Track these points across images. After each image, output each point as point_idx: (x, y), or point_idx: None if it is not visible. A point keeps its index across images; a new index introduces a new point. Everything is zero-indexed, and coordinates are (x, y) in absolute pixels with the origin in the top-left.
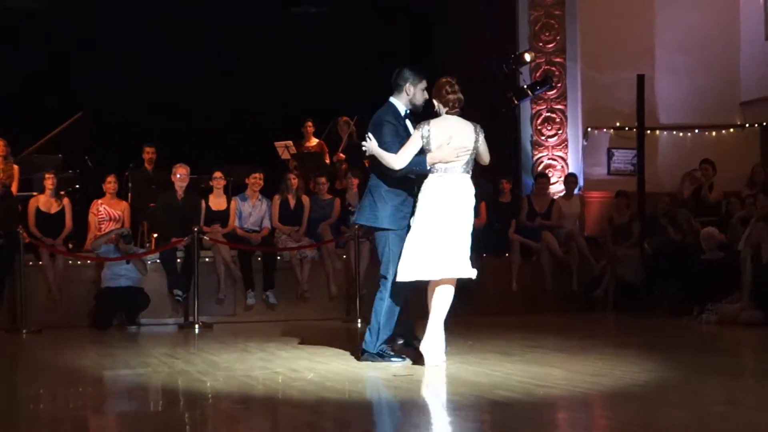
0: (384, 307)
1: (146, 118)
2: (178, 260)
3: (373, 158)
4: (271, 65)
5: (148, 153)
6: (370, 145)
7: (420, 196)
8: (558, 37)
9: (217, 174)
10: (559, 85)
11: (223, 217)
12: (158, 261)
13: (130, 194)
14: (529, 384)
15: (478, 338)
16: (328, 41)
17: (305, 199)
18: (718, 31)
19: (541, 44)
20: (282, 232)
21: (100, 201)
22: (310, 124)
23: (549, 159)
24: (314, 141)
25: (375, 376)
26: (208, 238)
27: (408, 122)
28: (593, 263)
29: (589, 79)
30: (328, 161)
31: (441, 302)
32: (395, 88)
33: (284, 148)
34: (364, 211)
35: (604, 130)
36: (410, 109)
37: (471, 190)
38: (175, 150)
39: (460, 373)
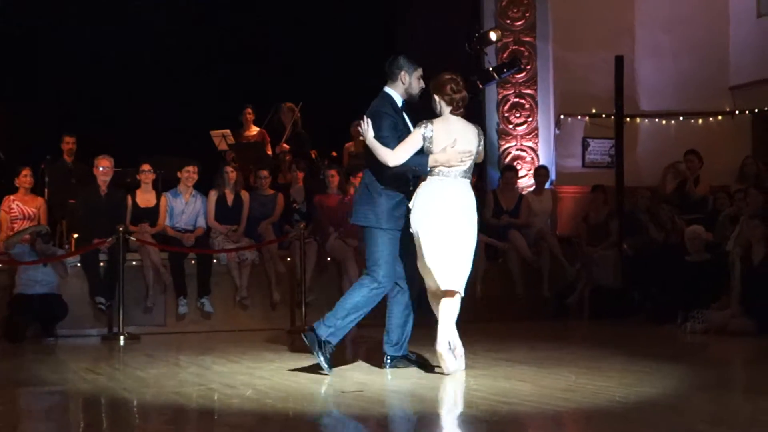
0: (356, 299)
1: (65, 103)
2: (101, 264)
3: (369, 153)
4: (206, 45)
5: (68, 143)
6: (367, 134)
7: (417, 198)
8: (527, 14)
9: (145, 167)
10: (528, 67)
11: (151, 215)
12: (79, 264)
13: (46, 190)
14: (494, 400)
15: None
16: (270, 19)
17: (244, 195)
18: (706, 7)
19: (508, 21)
20: (218, 232)
21: (12, 197)
22: (249, 111)
23: (517, 150)
24: (255, 130)
25: (321, 392)
26: (134, 239)
27: (405, 115)
28: (566, 266)
29: (562, 61)
30: (270, 152)
31: (448, 309)
32: (389, 77)
33: (221, 138)
34: (360, 209)
35: (579, 117)
36: (406, 100)
37: (471, 196)
38: (98, 140)
39: (417, 389)
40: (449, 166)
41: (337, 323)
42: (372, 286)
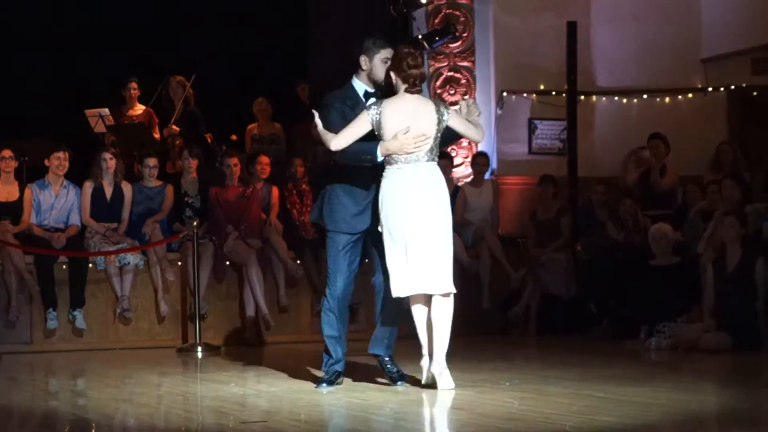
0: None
1: None
2: None
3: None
4: (80, 6)
5: None
6: (318, 126)
7: (380, 193)
8: None
9: (6, 153)
10: (465, 35)
11: (13, 210)
12: None
13: None
14: (422, 430)
15: (358, 370)
16: None
17: (126, 187)
18: None
19: None
20: (95, 231)
21: None
22: (134, 85)
23: None
24: (140, 108)
25: (213, 422)
26: None
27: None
28: (510, 271)
29: (505, 28)
30: (157, 136)
31: (438, 320)
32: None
33: (98, 118)
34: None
35: (524, 95)
36: (374, 88)
37: (439, 180)
38: None
39: (327, 418)
40: (407, 153)
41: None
42: (328, 305)
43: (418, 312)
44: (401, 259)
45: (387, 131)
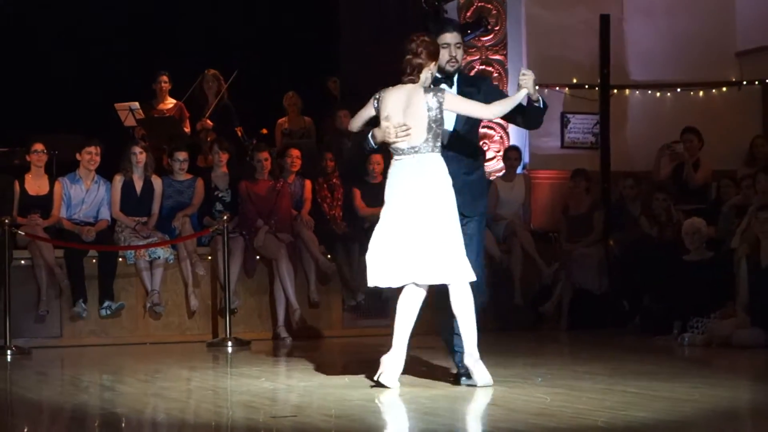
0: None
1: None
2: None
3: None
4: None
5: None
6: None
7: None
8: None
9: (37, 146)
10: (497, 28)
11: (44, 204)
12: None
13: None
14: (455, 425)
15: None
16: None
17: (156, 181)
18: None
19: None
20: (125, 225)
21: None
22: (165, 79)
23: (484, 127)
24: (170, 102)
25: (243, 417)
26: (23, 233)
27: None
28: (542, 266)
29: (537, 21)
30: (188, 129)
31: (456, 310)
32: None
33: (128, 112)
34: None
35: (557, 88)
36: (440, 74)
37: (434, 172)
38: None
39: (358, 413)
40: (393, 143)
41: None
42: None
43: (403, 304)
44: (389, 249)
45: (381, 119)
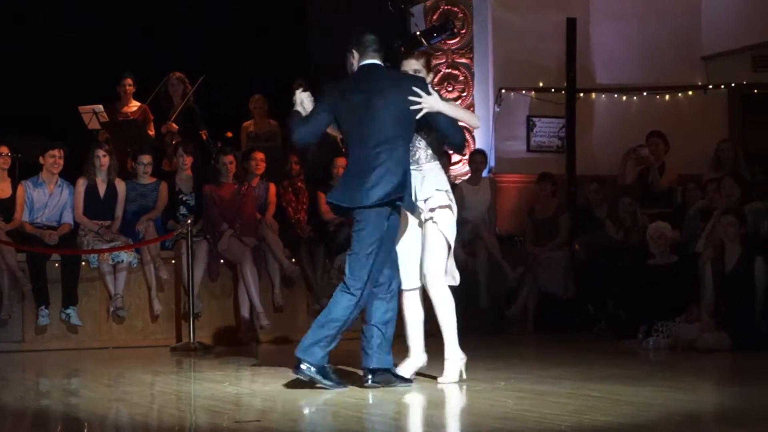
0: None
1: None
2: None
3: None
4: (75, 2)
5: None
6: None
7: None
8: None
9: (2, 150)
10: (463, 31)
11: (6, 207)
12: None
13: None
14: (416, 430)
15: (350, 372)
16: None
17: (120, 184)
18: None
19: None
20: (88, 229)
21: None
22: (130, 81)
23: None
24: (135, 105)
25: (207, 422)
26: None
27: None
28: (507, 270)
29: (504, 25)
30: (152, 133)
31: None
32: None
33: (92, 115)
34: None
35: (523, 92)
36: None
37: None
38: None
39: (321, 418)
40: None
41: None
42: None
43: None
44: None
45: None
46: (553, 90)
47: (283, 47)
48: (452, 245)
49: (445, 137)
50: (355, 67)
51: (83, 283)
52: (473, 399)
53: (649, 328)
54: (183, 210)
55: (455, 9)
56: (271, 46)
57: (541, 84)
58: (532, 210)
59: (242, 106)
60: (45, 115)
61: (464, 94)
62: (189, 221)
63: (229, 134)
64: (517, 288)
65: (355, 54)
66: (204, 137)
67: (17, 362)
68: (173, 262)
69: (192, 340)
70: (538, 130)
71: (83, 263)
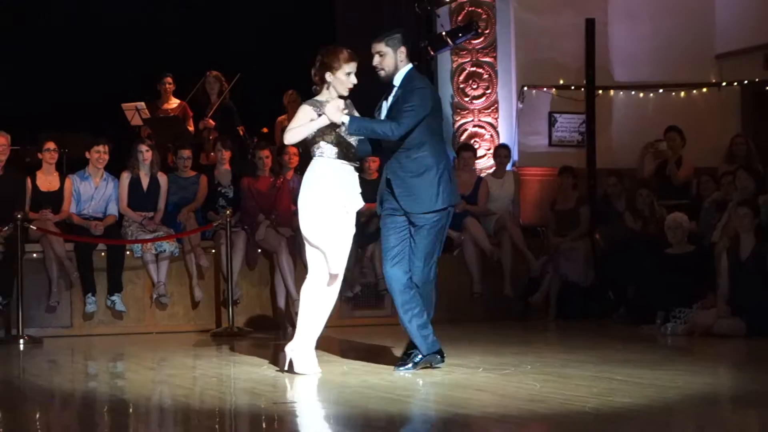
0: None
1: None
2: None
3: None
4: (119, 3)
5: None
6: None
7: None
8: None
9: (49, 145)
10: (487, 31)
11: (55, 200)
12: None
13: None
14: (448, 411)
15: (383, 354)
16: None
17: (162, 178)
18: None
19: None
20: (132, 220)
21: None
22: (169, 80)
23: (475, 126)
24: (174, 102)
25: (246, 403)
26: (35, 228)
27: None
28: (531, 259)
29: (526, 25)
30: (191, 128)
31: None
32: None
33: (134, 112)
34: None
35: (545, 89)
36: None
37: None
38: None
39: (357, 399)
40: None
41: None
42: None
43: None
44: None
45: None
46: (573, 87)
47: (314, 44)
48: (311, 240)
49: None
50: (403, 62)
51: (127, 271)
52: (501, 382)
53: (667, 315)
54: (222, 202)
55: (479, 10)
56: (303, 42)
57: (561, 81)
58: (554, 202)
59: (277, 102)
60: (90, 112)
61: (489, 91)
62: (228, 212)
63: (265, 130)
64: (540, 276)
65: (404, 50)
66: (241, 133)
67: (66, 347)
68: (213, 251)
69: (231, 326)
70: (559, 126)
71: (127, 253)
